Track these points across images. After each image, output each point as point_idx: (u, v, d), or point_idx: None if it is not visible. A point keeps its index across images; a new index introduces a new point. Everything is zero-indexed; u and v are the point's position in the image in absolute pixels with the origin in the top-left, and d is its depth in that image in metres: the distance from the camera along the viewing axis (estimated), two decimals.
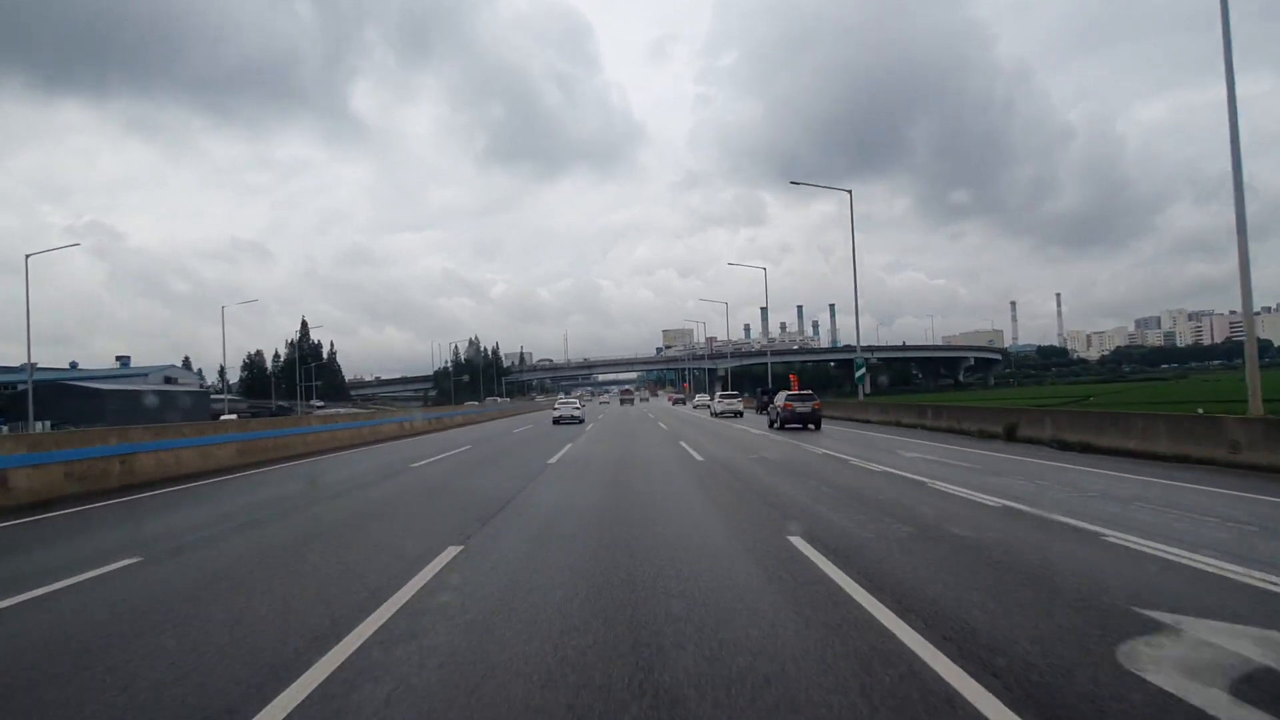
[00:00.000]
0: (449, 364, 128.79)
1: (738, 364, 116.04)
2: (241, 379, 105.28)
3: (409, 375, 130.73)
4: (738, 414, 37.37)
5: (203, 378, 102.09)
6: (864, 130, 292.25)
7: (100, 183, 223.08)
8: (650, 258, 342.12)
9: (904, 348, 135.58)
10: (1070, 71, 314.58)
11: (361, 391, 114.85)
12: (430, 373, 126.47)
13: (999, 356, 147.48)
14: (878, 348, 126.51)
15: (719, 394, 43.06)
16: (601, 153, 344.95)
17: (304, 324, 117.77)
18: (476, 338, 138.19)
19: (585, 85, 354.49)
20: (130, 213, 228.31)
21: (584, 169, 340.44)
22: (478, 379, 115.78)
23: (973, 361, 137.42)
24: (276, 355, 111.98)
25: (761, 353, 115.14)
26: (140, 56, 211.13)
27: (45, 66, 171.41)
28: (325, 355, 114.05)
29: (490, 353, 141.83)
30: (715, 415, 38.35)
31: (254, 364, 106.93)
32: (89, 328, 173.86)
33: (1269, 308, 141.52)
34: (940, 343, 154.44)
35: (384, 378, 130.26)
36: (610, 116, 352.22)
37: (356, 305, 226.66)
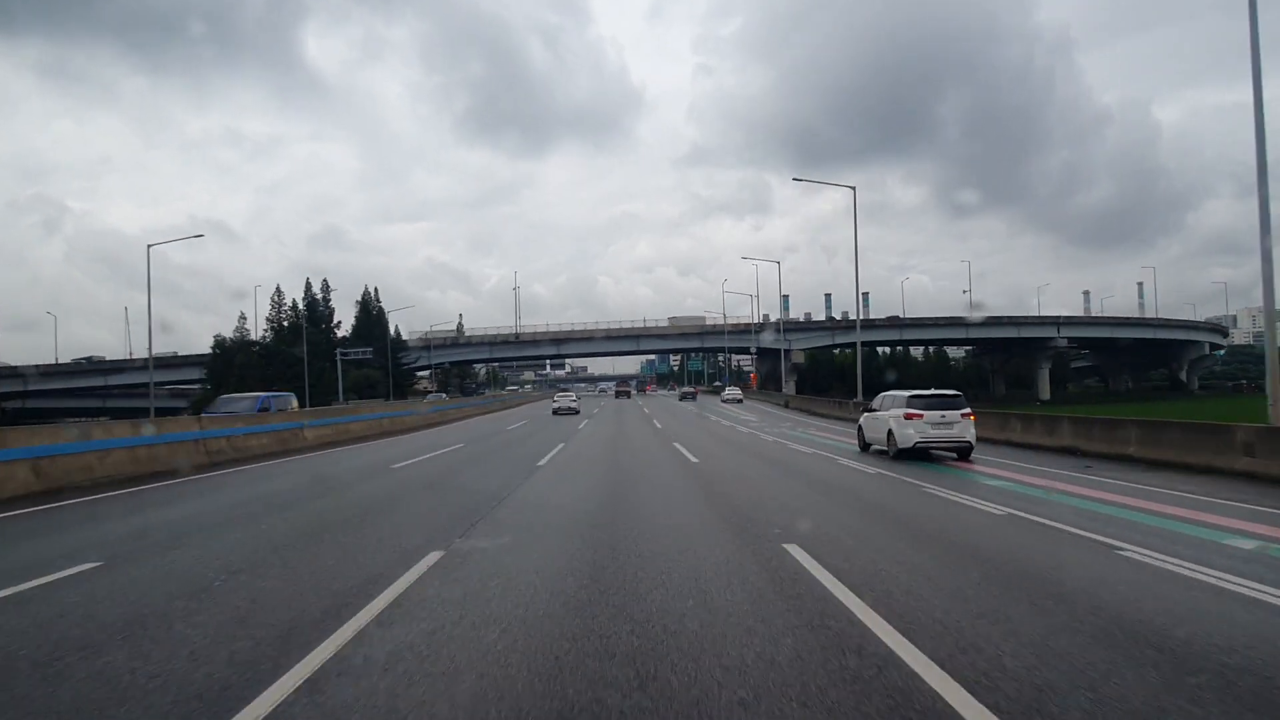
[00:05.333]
0: (263, 333, 72.74)
1: (818, 344, 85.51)
2: None
3: (192, 355, 73.64)
4: (964, 449, 15.05)
5: None
6: (887, 104, 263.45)
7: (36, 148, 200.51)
8: (650, 252, 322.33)
9: (1099, 320, 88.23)
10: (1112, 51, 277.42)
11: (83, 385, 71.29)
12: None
13: (1222, 344, 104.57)
14: (1065, 320, 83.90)
15: (912, 398, 15.14)
16: (597, 127, 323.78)
17: None
18: (322, 283, 77.56)
19: (575, 42, 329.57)
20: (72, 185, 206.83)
21: (577, 148, 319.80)
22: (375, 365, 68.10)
23: (1209, 350, 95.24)
24: None
25: (867, 323, 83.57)
26: None
27: None
28: None
29: (370, 311, 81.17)
30: (908, 450, 14.93)
31: None
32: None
33: None
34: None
35: (163, 356, 68.77)
36: (607, 84, 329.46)
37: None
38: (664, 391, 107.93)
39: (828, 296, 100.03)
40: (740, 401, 55.45)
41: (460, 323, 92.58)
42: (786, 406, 47.52)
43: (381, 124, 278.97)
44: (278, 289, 77.31)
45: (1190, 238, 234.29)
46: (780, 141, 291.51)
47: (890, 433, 15.38)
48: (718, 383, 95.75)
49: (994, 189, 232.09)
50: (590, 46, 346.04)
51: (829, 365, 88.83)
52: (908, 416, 15.00)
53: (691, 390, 73.10)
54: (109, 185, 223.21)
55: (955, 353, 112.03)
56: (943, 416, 14.89)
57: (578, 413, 37.44)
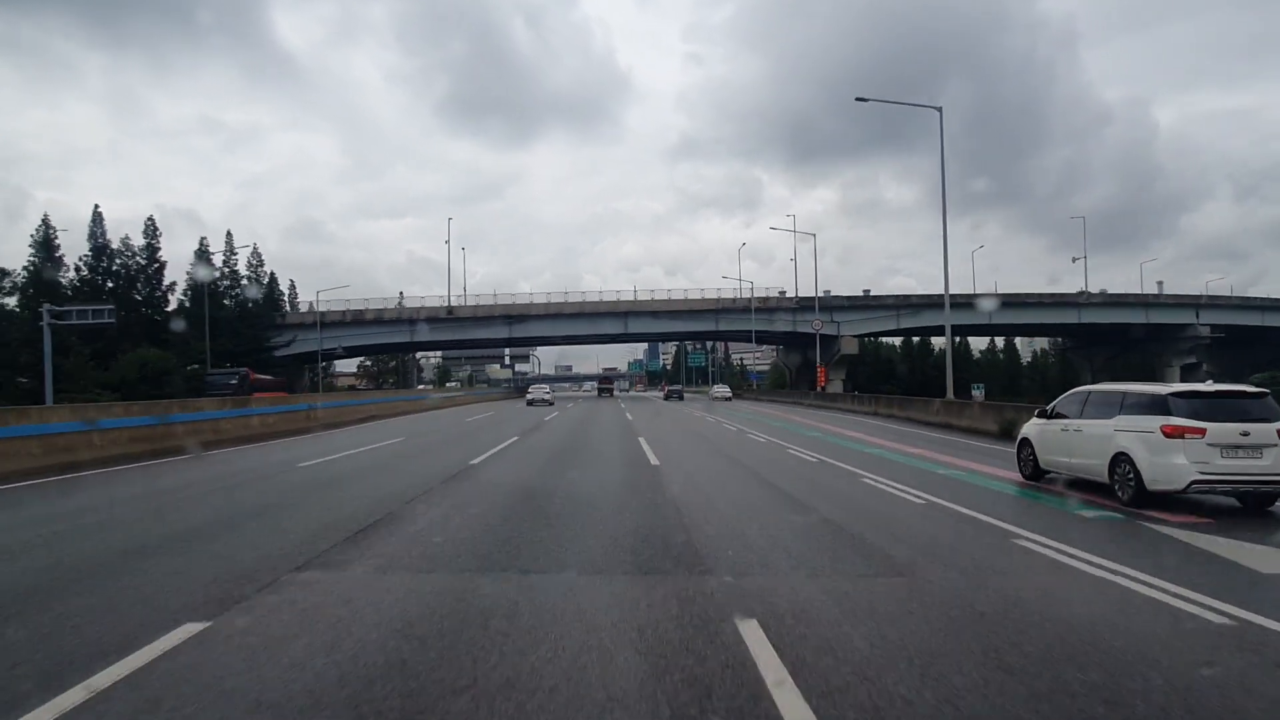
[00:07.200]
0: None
1: (876, 329, 67.11)
2: None
3: None
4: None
5: None
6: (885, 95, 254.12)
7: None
8: (636, 250, 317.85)
9: (1251, 303, 68.16)
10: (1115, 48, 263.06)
11: None
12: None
13: None
14: (1207, 302, 65.71)
15: (1176, 397, 8.41)
16: (584, 115, 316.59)
17: None
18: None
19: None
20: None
21: (564, 137, 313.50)
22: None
23: None
24: None
25: (935, 302, 69.47)
26: None
27: None
28: None
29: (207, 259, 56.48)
30: (1174, 493, 8.08)
31: None
32: None
33: None
34: None
35: None
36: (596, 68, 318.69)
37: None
38: (653, 392, 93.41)
39: (828, 292, 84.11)
40: (729, 400, 52.85)
41: (400, 300, 67.06)
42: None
43: (360, 111, 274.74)
44: (44, 219, 49.58)
45: (1184, 241, 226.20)
46: (772, 134, 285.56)
47: (1124, 458, 8.68)
48: (822, 368, 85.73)
49: (993, 186, 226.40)
50: (576, 28, 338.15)
51: (873, 357, 77.40)
52: (1170, 432, 8.11)
53: (678, 388, 67.32)
54: (84, 175, 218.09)
55: (984, 343, 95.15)
56: (1243, 433, 8.00)
57: (551, 404, 40.91)
